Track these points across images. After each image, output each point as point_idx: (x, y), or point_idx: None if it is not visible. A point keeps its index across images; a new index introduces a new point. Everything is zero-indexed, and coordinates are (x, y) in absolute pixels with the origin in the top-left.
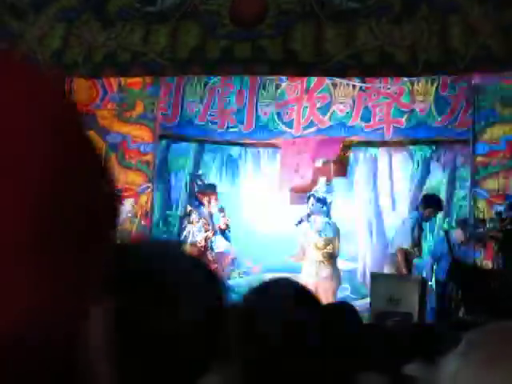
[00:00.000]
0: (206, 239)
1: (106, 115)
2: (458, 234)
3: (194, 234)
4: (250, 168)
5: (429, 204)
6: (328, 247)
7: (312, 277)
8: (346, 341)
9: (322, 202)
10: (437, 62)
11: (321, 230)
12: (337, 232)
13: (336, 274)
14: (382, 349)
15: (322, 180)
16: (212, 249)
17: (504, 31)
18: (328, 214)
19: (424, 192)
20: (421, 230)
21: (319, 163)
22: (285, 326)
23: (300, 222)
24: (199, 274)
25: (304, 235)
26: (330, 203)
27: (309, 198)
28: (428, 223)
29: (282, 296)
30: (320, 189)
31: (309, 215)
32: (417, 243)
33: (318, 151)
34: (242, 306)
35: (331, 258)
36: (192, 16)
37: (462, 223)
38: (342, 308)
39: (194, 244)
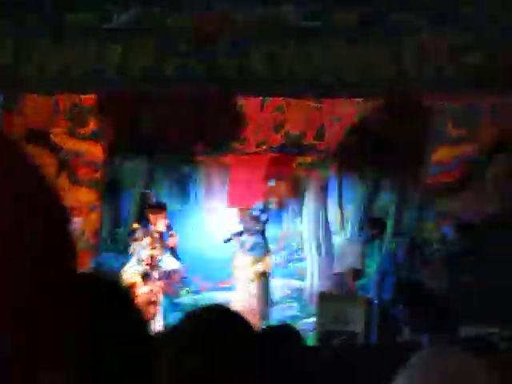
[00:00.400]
0: (152, 257)
1: (58, 132)
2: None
3: (139, 251)
4: (201, 186)
5: (373, 226)
6: (257, 266)
7: (243, 295)
8: (285, 365)
9: (256, 220)
10: (391, 82)
11: (250, 249)
12: (267, 251)
13: (265, 293)
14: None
15: (263, 199)
16: (159, 267)
17: (456, 52)
18: (262, 233)
19: (370, 214)
20: (367, 250)
21: (272, 183)
22: (211, 355)
23: (228, 240)
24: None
25: (234, 253)
26: (265, 222)
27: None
28: (375, 243)
29: (210, 325)
30: (257, 207)
31: (241, 233)
32: (363, 263)
33: (271, 170)
34: (170, 337)
35: (261, 276)
36: (147, 33)
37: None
38: (283, 330)
39: (140, 261)
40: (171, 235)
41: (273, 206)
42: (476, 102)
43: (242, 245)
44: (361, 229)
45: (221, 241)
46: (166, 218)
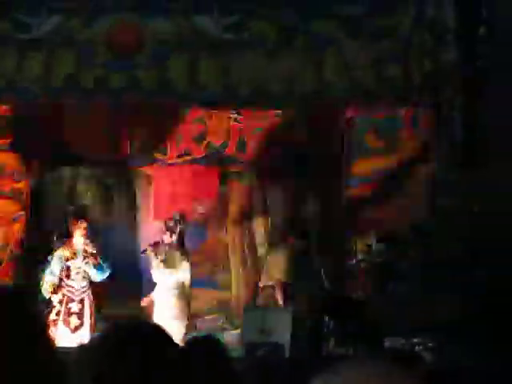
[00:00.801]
0: (68, 268)
1: None
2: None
3: (55, 263)
4: (124, 196)
5: (299, 236)
6: (172, 277)
7: (162, 306)
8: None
9: (171, 231)
10: (311, 93)
11: (164, 260)
12: (184, 262)
13: (183, 304)
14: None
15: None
16: (84, 278)
17: (376, 65)
18: (179, 244)
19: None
20: (295, 261)
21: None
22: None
23: (144, 251)
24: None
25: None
26: (181, 232)
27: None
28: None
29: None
30: (173, 217)
31: (156, 244)
32: (292, 275)
33: (196, 184)
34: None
35: (178, 288)
36: (67, 44)
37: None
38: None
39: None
40: (87, 245)
41: (197, 217)
42: (395, 114)
43: (156, 257)
44: (285, 240)
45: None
46: (86, 228)
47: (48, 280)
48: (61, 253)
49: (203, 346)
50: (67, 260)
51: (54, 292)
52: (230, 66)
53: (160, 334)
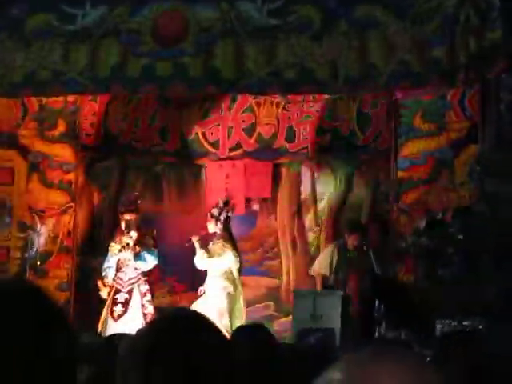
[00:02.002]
0: (119, 260)
1: (26, 134)
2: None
3: (116, 253)
4: (174, 187)
5: (352, 231)
6: (217, 266)
7: (213, 297)
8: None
9: (216, 219)
10: (357, 77)
11: (208, 249)
12: (228, 250)
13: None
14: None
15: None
16: (134, 267)
17: (421, 47)
18: (225, 232)
19: (347, 216)
20: (341, 257)
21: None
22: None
23: (188, 241)
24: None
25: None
26: (226, 220)
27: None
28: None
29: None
30: (218, 205)
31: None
32: (334, 271)
33: (249, 180)
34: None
35: (226, 276)
36: (112, 34)
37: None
38: (254, 331)
39: (118, 263)
40: (147, 235)
41: (249, 205)
42: (442, 95)
43: (200, 246)
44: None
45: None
46: (137, 219)
47: (110, 275)
48: (114, 247)
49: (249, 333)
50: (120, 252)
51: (103, 285)
52: (276, 51)
53: (201, 321)
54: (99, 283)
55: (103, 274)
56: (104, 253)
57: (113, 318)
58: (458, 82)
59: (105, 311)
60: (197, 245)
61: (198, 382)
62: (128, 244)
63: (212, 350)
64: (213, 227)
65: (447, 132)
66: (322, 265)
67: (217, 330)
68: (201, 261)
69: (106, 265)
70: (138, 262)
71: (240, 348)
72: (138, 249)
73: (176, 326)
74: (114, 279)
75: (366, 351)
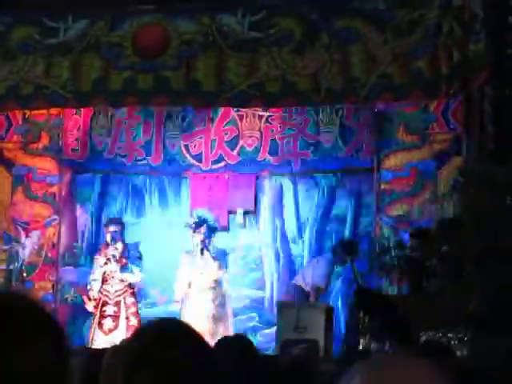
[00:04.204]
0: (104, 273)
1: (10, 147)
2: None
3: (102, 265)
4: (156, 199)
5: (348, 251)
6: (202, 278)
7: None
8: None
9: (194, 231)
10: (339, 90)
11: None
12: (212, 262)
13: (217, 305)
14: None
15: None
16: (120, 280)
17: (403, 59)
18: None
19: (342, 238)
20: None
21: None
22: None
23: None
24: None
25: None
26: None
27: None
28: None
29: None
30: (197, 217)
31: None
32: (328, 282)
33: (232, 193)
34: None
35: (210, 288)
36: (94, 48)
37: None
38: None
39: (104, 275)
40: (114, 249)
41: (235, 216)
42: (425, 107)
43: (184, 258)
44: (334, 253)
45: (178, 254)
46: (122, 232)
47: (95, 287)
48: (99, 260)
49: (233, 345)
50: (105, 264)
51: (88, 299)
52: (257, 63)
53: (188, 333)
54: (84, 298)
55: (88, 287)
56: (86, 265)
57: (102, 331)
58: (440, 93)
59: (93, 324)
60: (182, 256)
61: None
62: (114, 256)
63: (195, 361)
64: (194, 239)
65: (430, 144)
66: (316, 276)
67: (201, 340)
68: (185, 272)
69: (91, 277)
70: (125, 274)
71: (223, 359)
72: (124, 261)
73: (160, 336)
74: (100, 292)
75: (382, 357)
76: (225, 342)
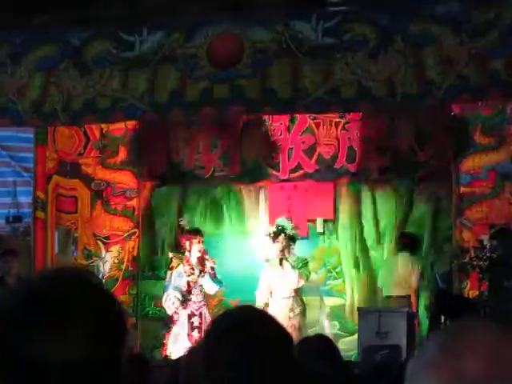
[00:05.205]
0: (189, 283)
1: (89, 162)
2: None
3: (176, 279)
4: (235, 211)
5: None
6: (282, 286)
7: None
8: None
9: (274, 239)
10: (415, 94)
11: (272, 269)
12: (291, 270)
13: (297, 313)
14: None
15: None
16: (199, 292)
17: (479, 59)
18: (287, 251)
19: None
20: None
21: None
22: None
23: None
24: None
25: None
26: (291, 240)
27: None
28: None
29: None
30: (276, 225)
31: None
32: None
33: (311, 201)
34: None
35: (290, 296)
36: (170, 59)
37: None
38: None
39: (177, 288)
40: (207, 260)
41: (314, 225)
42: (502, 108)
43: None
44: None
45: (257, 263)
46: (201, 242)
47: (173, 295)
48: (181, 269)
49: (315, 344)
50: (188, 276)
51: (182, 307)
52: (332, 69)
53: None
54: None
55: (170, 294)
56: (164, 277)
57: (192, 343)
58: None
59: (182, 335)
60: (266, 264)
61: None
62: (193, 267)
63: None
64: (273, 247)
65: (508, 145)
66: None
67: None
68: (266, 279)
69: (171, 286)
70: (213, 285)
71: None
72: (213, 273)
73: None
74: (187, 301)
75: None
76: (307, 340)
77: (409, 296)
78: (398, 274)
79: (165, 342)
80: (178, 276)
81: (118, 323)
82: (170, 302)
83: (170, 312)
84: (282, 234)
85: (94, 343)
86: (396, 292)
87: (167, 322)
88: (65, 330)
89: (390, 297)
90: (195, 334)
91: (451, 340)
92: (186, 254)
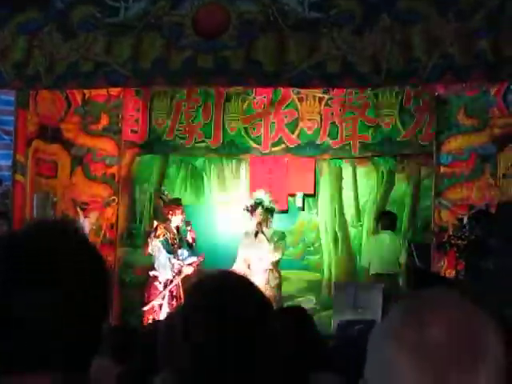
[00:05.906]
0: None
1: (70, 128)
2: None
3: (160, 248)
4: (215, 181)
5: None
6: (259, 260)
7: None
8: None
9: (251, 212)
10: (400, 72)
11: (248, 242)
12: (267, 244)
13: (271, 287)
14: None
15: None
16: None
17: (465, 39)
18: (264, 225)
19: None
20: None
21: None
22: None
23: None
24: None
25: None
26: (266, 212)
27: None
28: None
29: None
30: (254, 199)
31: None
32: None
33: (292, 176)
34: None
35: (266, 270)
36: (155, 27)
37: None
38: (295, 311)
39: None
40: (189, 230)
41: (294, 199)
42: (486, 90)
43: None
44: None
45: (236, 234)
46: (182, 213)
47: (173, 260)
48: (167, 236)
49: (291, 315)
50: (172, 244)
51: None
52: (318, 44)
53: (245, 285)
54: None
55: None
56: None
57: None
58: (502, 75)
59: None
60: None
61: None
62: (175, 237)
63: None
64: (250, 220)
65: (490, 128)
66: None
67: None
68: (242, 252)
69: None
70: (190, 255)
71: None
72: (191, 243)
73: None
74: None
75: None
76: (284, 310)
77: (397, 274)
78: (389, 251)
79: (144, 309)
80: (168, 242)
81: (103, 287)
82: (168, 268)
83: (169, 276)
84: (260, 207)
85: (73, 306)
86: (385, 270)
87: (144, 290)
88: (44, 287)
89: (380, 274)
90: (175, 303)
91: (413, 310)
92: (169, 223)
